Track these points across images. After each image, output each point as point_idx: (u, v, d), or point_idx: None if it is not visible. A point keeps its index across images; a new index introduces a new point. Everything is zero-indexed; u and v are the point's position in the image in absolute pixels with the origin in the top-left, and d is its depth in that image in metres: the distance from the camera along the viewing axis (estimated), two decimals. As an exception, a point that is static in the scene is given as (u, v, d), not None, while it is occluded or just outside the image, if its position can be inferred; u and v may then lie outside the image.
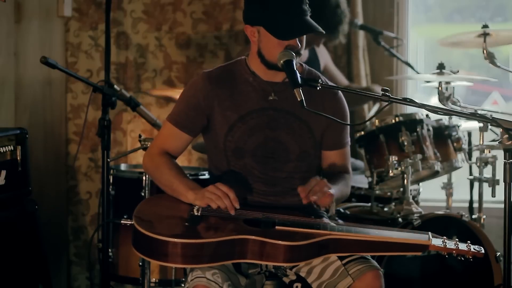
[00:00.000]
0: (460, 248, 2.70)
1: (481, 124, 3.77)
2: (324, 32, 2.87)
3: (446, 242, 2.70)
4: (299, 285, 2.80)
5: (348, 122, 3.03)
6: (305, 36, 2.87)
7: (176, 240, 2.58)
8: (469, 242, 2.73)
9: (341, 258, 2.73)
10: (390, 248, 2.72)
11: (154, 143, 2.99)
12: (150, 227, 2.65)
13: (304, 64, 3.01)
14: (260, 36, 2.86)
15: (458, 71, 3.77)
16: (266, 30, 2.82)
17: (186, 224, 2.68)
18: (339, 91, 3.01)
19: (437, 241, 2.70)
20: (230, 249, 2.60)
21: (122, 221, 3.55)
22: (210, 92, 2.91)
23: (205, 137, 3.01)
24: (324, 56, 4.53)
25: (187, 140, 2.96)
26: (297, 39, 2.81)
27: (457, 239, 2.73)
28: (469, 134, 4.08)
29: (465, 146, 3.88)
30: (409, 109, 4.48)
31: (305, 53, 4.43)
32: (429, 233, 2.74)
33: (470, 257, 2.70)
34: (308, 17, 2.84)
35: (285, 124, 2.91)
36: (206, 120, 2.93)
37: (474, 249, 2.70)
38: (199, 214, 2.72)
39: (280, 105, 2.91)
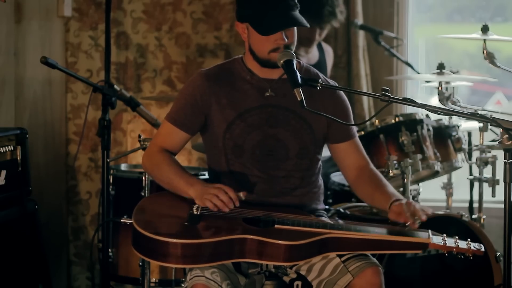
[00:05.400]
0: (460, 246, 2.69)
1: (481, 124, 3.77)
2: (308, 25, 2.85)
3: (446, 240, 2.69)
4: (299, 283, 2.79)
5: (350, 115, 3.00)
6: (295, 30, 2.85)
7: (175, 240, 2.58)
8: (469, 240, 2.72)
9: (340, 256, 2.72)
10: (390, 246, 2.72)
11: (153, 142, 2.99)
12: (149, 228, 2.65)
13: (302, 62, 2.99)
14: (249, 33, 2.87)
15: (458, 71, 3.77)
16: (251, 26, 2.83)
17: (186, 223, 2.68)
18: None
19: (437, 239, 2.69)
20: (230, 249, 2.60)
21: (122, 220, 3.54)
22: (207, 90, 2.91)
23: (204, 136, 3.01)
24: (330, 58, 4.54)
25: (186, 139, 2.96)
26: (283, 34, 2.80)
27: (457, 237, 2.72)
28: (469, 134, 4.07)
29: (465, 146, 3.88)
30: (409, 109, 4.48)
31: (315, 54, 4.43)
32: (429, 231, 2.73)
33: (470, 255, 2.70)
34: (295, 11, 2.83)
35: (283, 121, 2.90)
36: (204, 118, 2.93)
37: (474, 247, 2.69)
38: (198, 213, 2.71)
39: (278, 102, 2.91)
